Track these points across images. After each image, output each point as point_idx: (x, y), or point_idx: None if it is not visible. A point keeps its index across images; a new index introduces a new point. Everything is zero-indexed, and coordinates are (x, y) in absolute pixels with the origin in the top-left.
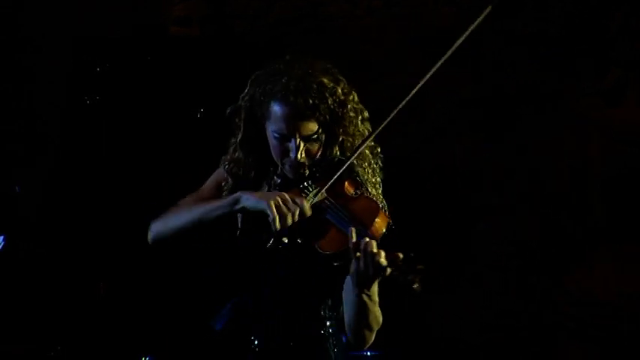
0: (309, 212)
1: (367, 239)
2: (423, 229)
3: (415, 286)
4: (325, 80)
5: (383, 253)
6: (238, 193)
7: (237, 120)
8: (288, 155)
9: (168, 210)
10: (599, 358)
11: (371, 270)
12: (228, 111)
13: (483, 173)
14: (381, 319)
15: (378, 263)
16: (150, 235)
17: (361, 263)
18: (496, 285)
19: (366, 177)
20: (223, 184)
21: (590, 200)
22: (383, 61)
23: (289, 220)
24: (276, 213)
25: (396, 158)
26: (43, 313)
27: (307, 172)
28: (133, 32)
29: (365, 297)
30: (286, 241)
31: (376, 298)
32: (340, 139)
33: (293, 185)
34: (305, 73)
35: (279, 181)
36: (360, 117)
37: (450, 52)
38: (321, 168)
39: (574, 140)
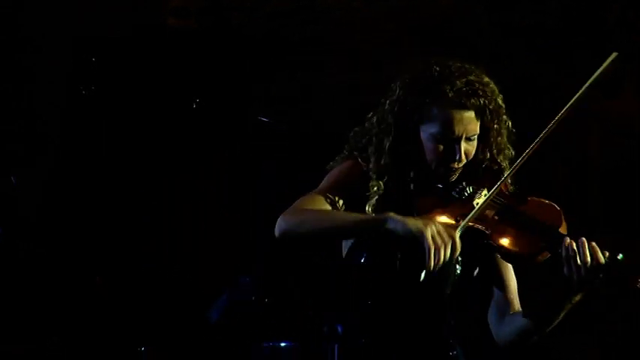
0: (459, 247)
1: (579, 239)
2: None
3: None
4: (488, 79)
5: (600, 251)
6: (387, 215)
7: (384, 126)
8: (446, 158)
9: (301, 207)
10: (598, 351)
11: (589, 272)
12: (371, 116)
13: None
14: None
15: (598, 262)
16: (279, 229)
17: (578, 264)
18: None
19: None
20: (366, 183)
21: (589, 192)
22: (381, 53)
23: (442, 255)
24: (432, 244)
25: None
26: (39, 307)
27: (457, 174)
28: (132, 30)
29: (570, 304)
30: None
31: (569, 307)
32: (493, 142)
33: (445, 190)
34: (468, 72)
35: (438, 186)
36: (509, 122)
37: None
38: (477, 169)
39: (572, 133)
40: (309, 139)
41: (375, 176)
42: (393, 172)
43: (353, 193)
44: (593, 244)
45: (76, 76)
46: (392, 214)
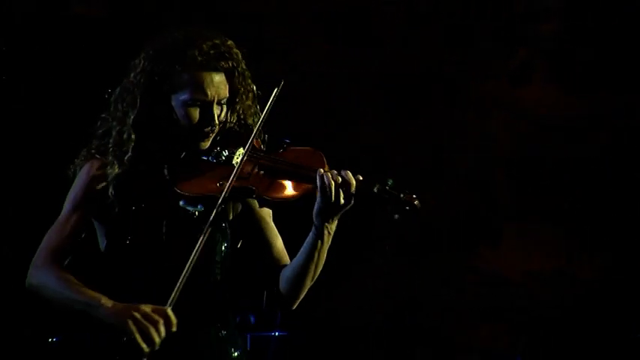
0: (174, 320)
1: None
2: None
3: (416, 202)
4: (233, 44)
5: (351, 175)
6: (96, 302)
7: (128, 98)
8: (201, 124)
9: (45, 257)
10: (510, 337)
11: (343, 197)
12: (111, 92)
13: (390, 152)
14: (320, 269)
15: (351, 187)
16: (27, 283)
17: (333, 192)
18: (405, 265)
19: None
20: (107, 170)
21: (497, 179)
22: (285, 39)
23: (154, 335)
24: (136, 331)
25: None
26: None
27: (210, 141)
28: (36, 18)
29: (326, 234)
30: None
31: (330, 239)
32: (241, 105)
33: (199, 157)
34: (212, 37)
35: (191, 155)
36: (253, 86)
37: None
38: (228, 133)
39: (480, 121)
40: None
41: (114, 154)
42: (139, 147)
43: (102, 193)
44: (348, 172)
45: None
46: (103, 301)
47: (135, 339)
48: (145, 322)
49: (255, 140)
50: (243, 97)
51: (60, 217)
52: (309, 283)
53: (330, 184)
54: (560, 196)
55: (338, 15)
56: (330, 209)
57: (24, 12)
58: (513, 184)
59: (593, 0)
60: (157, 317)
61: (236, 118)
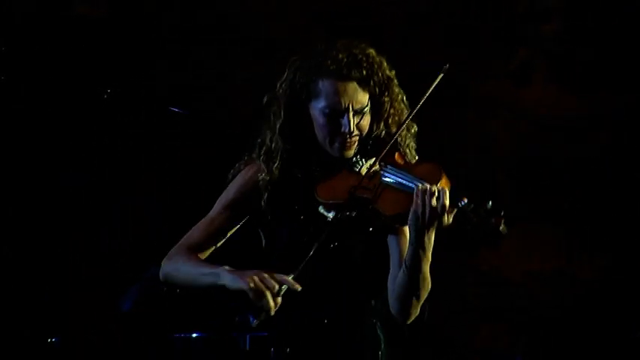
0: (296, 286)
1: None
2: None
3: (501, 227)
4: (373, 52)
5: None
6: (219, 269)
7: (275, 107)
8: (338, 132)
9: (186, 246)
10: (510, 337)
11: (438, 209)
12: (265, 100)
13: None
14: (429, 286)
15: (443, 204)
16: (161, 274)
17: (427, 205)
18: None
19: (409, 153)
20: (260, 176)
21: (497, 179)
22: (286, 39)
23: (269, 299)
24: (254, 293)
25: None
26: None
27: (355, 148)
28: (37, 17)
29: (419, 250)
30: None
31: (430, 255)
32: (386, 114)
33: (341, 165)
34: (352, 46)
35: (328, 163)
36: (401, 95)
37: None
38: (371, 143)
39: (480, 121)
40: (225, 128)
41: (265, 163)
42: (287, 155)
43: (254, 200)
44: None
45: None
46: (225, 267)
47: (252, 297)
48: (260, 284)
49: (397, 153)
50: (387, 106)
51: (209, 214)
52: (414, 301)
53: (421, 196)
54: (560, 196)
55: (338, 15)
56: (419, 222)
57: (24, 12)
58: (513, 184)
59: (593, 0)
60: (273, 282)
61: (383, 126)
